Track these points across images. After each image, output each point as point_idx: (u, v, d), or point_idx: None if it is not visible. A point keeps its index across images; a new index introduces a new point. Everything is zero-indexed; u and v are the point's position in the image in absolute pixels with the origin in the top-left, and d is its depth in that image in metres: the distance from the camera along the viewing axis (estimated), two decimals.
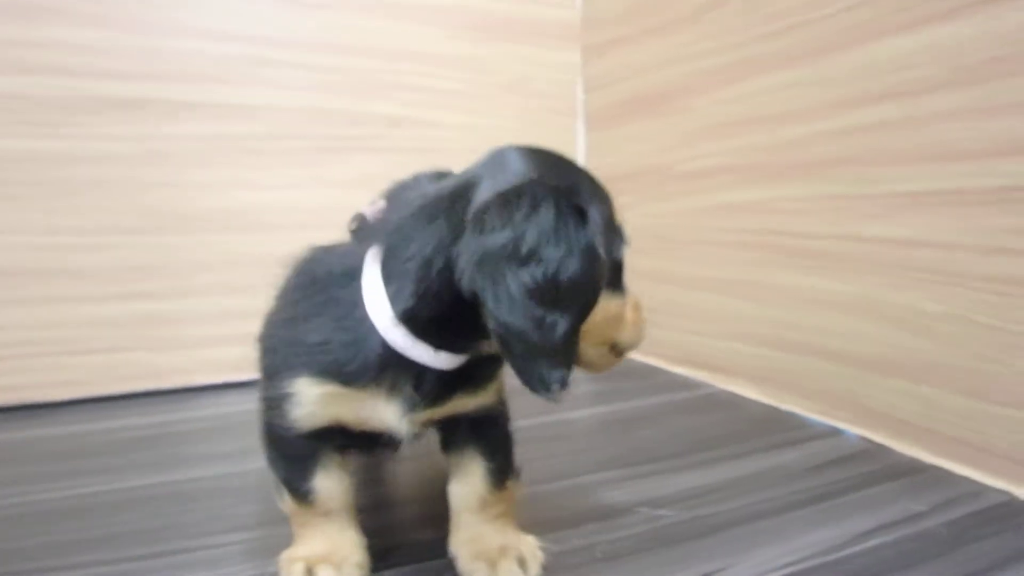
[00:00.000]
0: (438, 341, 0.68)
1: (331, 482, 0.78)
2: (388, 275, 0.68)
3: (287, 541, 0.83)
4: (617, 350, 0.74)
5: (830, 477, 1.05)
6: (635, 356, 1.83)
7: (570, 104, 2.03)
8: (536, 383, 0.61)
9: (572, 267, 0.59)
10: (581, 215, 0.62)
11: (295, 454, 0.77)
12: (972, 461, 1.05)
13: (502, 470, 0.82)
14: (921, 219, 1.09)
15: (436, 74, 1.82)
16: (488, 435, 0.82)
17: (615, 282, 0.71)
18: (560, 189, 0.63)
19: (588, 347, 0.68)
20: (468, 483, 0.81)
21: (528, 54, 1.94)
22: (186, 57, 1.57)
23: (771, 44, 1.35)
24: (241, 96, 1.63)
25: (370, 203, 0.82)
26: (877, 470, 1.07)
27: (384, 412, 0.71)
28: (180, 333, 1.62)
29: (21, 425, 1.41)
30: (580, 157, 2.03)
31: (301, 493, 0.77)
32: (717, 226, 1.53)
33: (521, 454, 0.89)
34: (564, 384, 0.61)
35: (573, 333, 0.62)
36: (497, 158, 0.69)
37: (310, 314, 0.72)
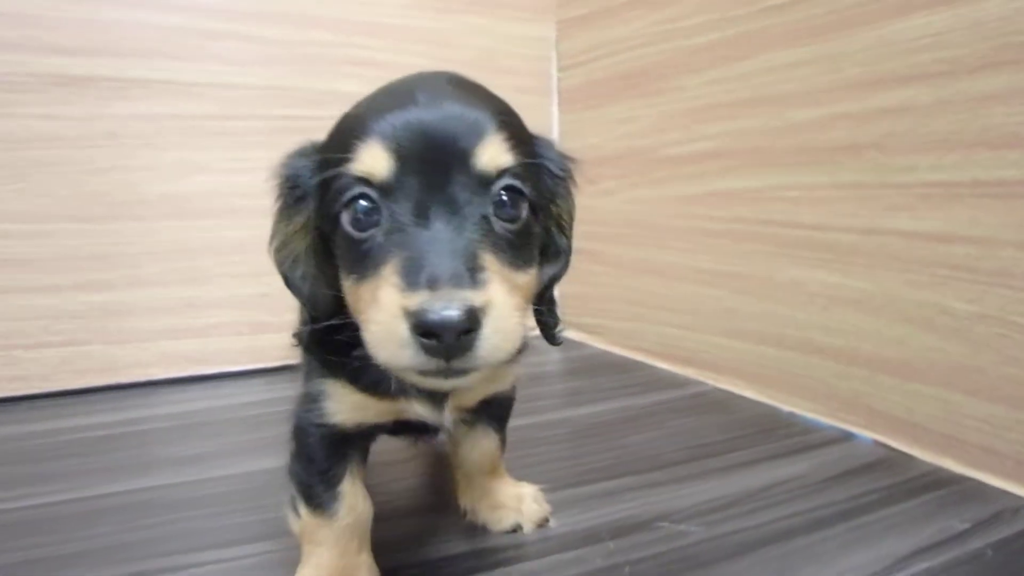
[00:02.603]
0: None
1: (356, 492, 0.75)
2: None
3: (283, 558, 0.80)
4: None
5: (855, 489, 0.98)
6: (616, 349, 1.77)
7: (543, 82, 1.95)
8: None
9: None
10: None
11: (324, 456, 0.74)
12: (1007, 473, 0.98)
13: (504, 439, 0.91)
14: (954, 212, 1.02)
15: (395, 48, 1.73)
16: (498, 413, 0.89)
17: None
18: None
19: None
20: (481, 450, 0.89)
21: (495, 27, 1.86)
22: (132, 29, 1.48)
23: (775, 19, 1.28)
24: (191, 73, 1.54)
25: None
26: (903, 481, 1.01)
27: (414, 408, 0.72)
28: (135, 325, 1.53)
29: None
30: (554, 137, 1.96)
31: (322, 503, 0.73)
32: (709, 215, 1.46)
33: (516, 459, 0.98)
34: None
35: None
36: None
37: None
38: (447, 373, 0.54)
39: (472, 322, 0.52)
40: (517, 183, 0.61)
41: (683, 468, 1.07)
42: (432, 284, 0.53)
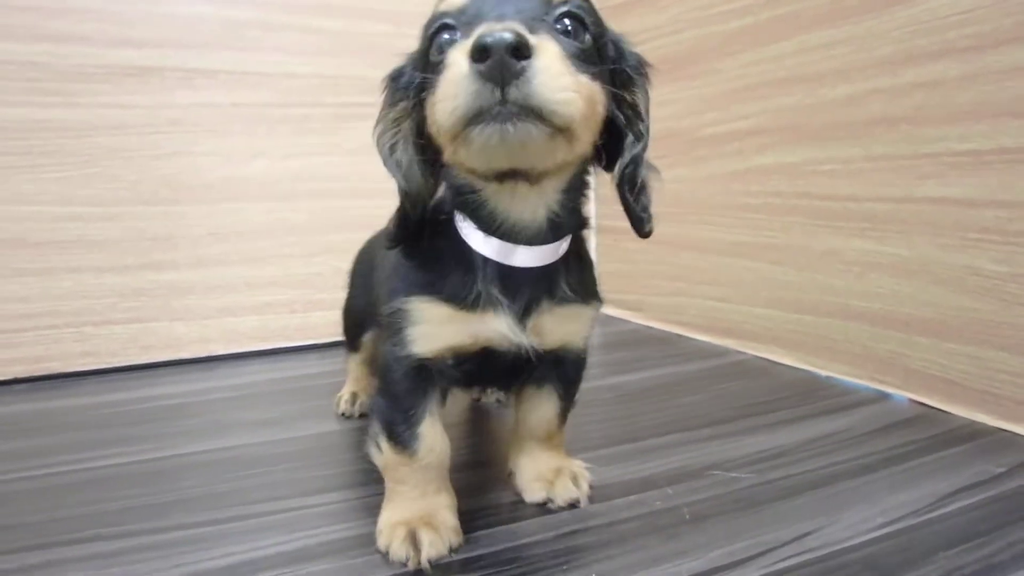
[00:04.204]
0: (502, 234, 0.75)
1: (435, 433, 0.79)
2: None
3: (365, 504, 0.85)
4: None
5: (894, 440, 1.04)
6: (657, 324, 1.82)
7: None
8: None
9: None
10: None
11: (406, 392, 0.78)
12: None
13: (568, 408, 0.92)
14: (983, 179, 1.07)
15: None
16: (567, 378, 0.89)
17: None
18: None
19: None
20: (540, 415, 0.90)
21: None
22: (197, 22, 1.55)
23: (807, 3, 1.33)
24: (253, 63, 1.61)
25: None
26: (940, 433, 1.06)
27: (495, 323, 0.75)
28: (198, 303, 1.60)
29: (51, 395, 1.40)
30: None
31: (403, 441, 0.78)
32: (748, 190, 1.51)
33: (574, 417, 0.96)
34: None
35: None
36: None
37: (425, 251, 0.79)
38: (507, 116, 0.58)
39: (521, 46, 0.55)
40: (580, 15, 0.67)
41: (730, 425, 1.12)
42: (488, 25, 0.58)
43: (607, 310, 2.01)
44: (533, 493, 0.88)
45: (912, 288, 1.19)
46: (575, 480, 0.88)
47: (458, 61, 0.58)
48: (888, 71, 1.20)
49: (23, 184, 1.44)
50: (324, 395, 1.30)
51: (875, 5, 1.21)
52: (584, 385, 1.22)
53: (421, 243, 0.78)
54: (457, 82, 0.58)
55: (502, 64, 0.55)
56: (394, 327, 0.77)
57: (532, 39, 0.57)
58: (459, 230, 0.77)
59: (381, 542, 0.76)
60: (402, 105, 0.74)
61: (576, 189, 0.78)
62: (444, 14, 0.66)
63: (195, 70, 1.54)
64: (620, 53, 0.75)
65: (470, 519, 0.83)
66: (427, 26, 0.70)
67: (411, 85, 0.73)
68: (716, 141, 1.59)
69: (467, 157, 0.65)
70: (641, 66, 0.76)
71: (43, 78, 1.43)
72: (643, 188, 0.77)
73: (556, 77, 0.58)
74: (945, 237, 1.13)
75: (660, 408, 1.21)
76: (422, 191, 0.76)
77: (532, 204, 0.74)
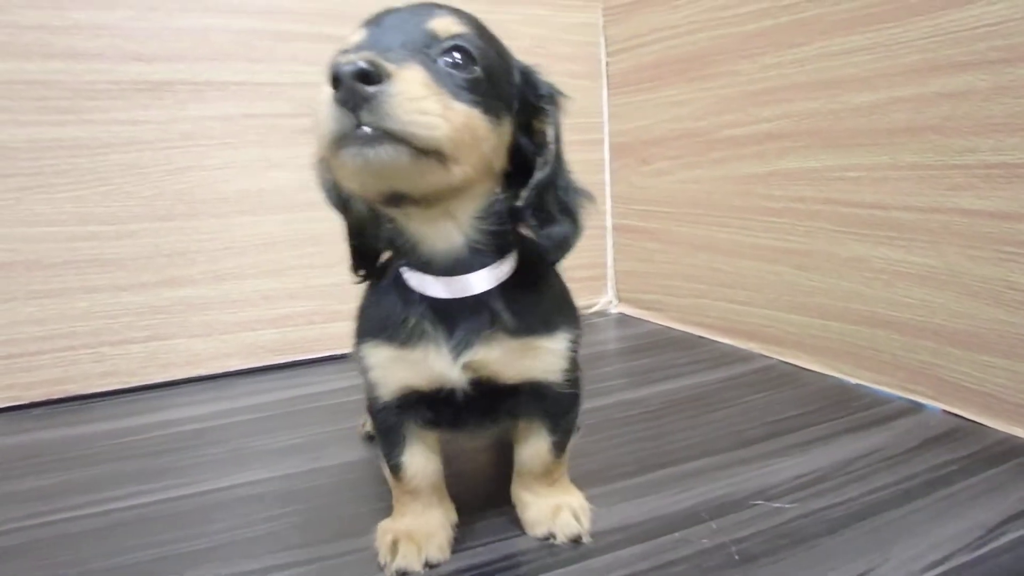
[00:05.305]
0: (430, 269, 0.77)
1: (416, 461, 0.85)
2: None
3: None
4: None
5: (934, 460, 1.02)
6: (676, 325, 1.81)
7: (593, 67, 1.99)
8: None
9: None
10: None
11: (387, 427, 0.85)
12: None
13: (564, 442, 0.90)
14: (1018, 192, 1.06)
15: None
16: (552, 412, 0.87)
17: None
18: None
19: None
20: (533, 451, 0.89)
21: (545, 16, 1.90)
22: (207, 35, 1.53)
23: (828, 7, 1.31)
24: (265, 74, 1.58)
25: None
26: (980, 450, 1.05)
27: (437, 362, 0.77)
28: (216, 318, 1.59)
29: (69, 420, 1.39)
30: (605, 120, 2.01)
31: (392, 468, 0.86)
32: (770, 194, 1.49)
33: (599, 441, 1.05)
34: None
35: None
36: None
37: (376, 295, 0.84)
38: (367, 139, 0.60)
39: (371, 73, 0.58)
40: (468, 49, 0.68)
41: (764, 445, 1.11)
42: (345, 55, 0.59)
43: (624, 309, 2.00)
44: (534, 528, 0.89)
45: (943, 299, 1.18)
46: (576, 516, 0.88)
47: (324, 89, 0.60)
48: (914, 80, 1.18)
49: (37, 205, 1.42)
50: (347, 415, 1.29)
51: (898, 14, 1.19)
52: (608, 399, 1.21)
53: (381, 280, 0.83)
54: (321, 109, 0.61)
55: (352, 90, 0.58)
56: (360, 370, 0.83)
57: (389, 66, 0.59)
58: (399, 267, 0.79)
59: (375, 544, 0.85)
60: None
61: (496, 214, 0.77)
62: (344, 51, 0.67)
63: (206, 82, 1.52)
64: (530, 83, 0.78)
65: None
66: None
67: None
68: (735, 143, 1.57)
69: (346, 179, 0.68)
70: (552, 96, 0.78)
71: (54, 96, 1.41)
72: (556, 217, 0.78)
73: (412, 100, 0.60)
74: (978, 249, 1.12)
75: (690, 426, 1.20)
76: (362, 222, 0.81)
77: (445, 231, 0.75)
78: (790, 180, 1.44)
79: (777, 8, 1.42)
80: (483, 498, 0.96)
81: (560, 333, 0.83)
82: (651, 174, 1.83)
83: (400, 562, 0.81)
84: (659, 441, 1.15)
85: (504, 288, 0.78)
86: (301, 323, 1.66)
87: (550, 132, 0.77)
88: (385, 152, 0.61)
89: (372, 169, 0.63)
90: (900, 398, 1.25)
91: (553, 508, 0.88)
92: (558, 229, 0.78)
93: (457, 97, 0.65)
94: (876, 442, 1.09)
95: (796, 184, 1.43)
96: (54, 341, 1.46)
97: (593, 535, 0.87)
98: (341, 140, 0.61)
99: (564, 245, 0.79)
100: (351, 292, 0.87)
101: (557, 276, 0.88)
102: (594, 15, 1.97)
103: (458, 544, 0.87)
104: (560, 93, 0.79)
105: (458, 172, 0.67)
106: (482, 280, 0.77)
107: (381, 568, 0.82)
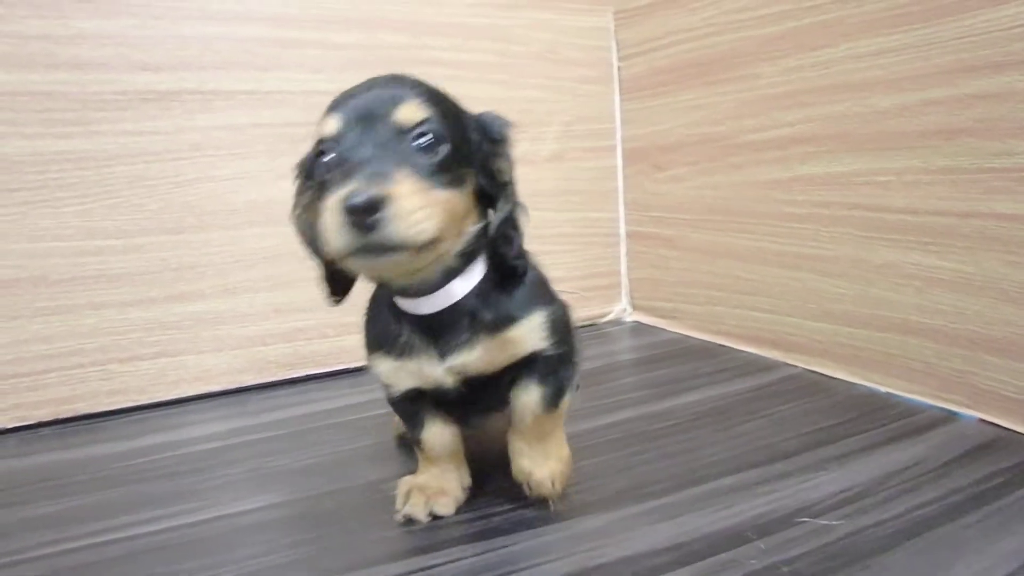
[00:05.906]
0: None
1: (434, 434, 0.98)
2: None
3: (456, 570, 0.83)
4: None
5: (978, 472, 0.99)
6: (694, 333, 1.78)
7: (604, 72, 1.96)
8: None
9: None
10: None
11: (406, 412, 1.00)
12: None
13: (555, 397, 0.94)
14: None
15: (464, 47, 1.75)
16: (542, 370, 0.94)
17: None
18: None
19: None
20: (523, 402, 0.94)
21: (555, 21, 1.87)
22: (212, 43, 1.50)
23: (853, 9, 1.29)
24: (271, 81, 1.56)
25: None
26: (1022, 462, 1.02)
27: (429, 370, 0.90)
28: (227, 333, 1.56)
29: (79, 441, 1.36)
30: (618, 126, 1.98)
31: (414, 439, 1.00)
32: (792, 199, 1.46)
33: (629, 456, 1.09)
34: None
35: None
36: None
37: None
38: (374, 249, 0.71)
39: (375, 205, 0.68)
40: (432, 130, 0.78)
41: (800, 458, 1.07)
42: (354, 184, 0.70)
43: (639, 317, 1.97)
44: (516, 476, 0.97)
45: (979, 305, 1.15)
46: (552, 479, 0.95)
47: (333, 207, 0.71)
48: (946, 81, 1.15)
49: (42, 219, 1.39)
50: (366, 432, 1.27)
51: (927, 15, 1.16)
52: (632, 412, 1.19)
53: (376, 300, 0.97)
54: (333, 224, 0.71)
55: (362, 220, 0.69)
56: (374, 375, 0.97)
57: (386, 188, 0.70)
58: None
59: (396, 491, 0.99)
60: (308, 194, 0.88)
61: (472, 241, 0.87)
62: (323, 139, 0.80)
63: (213, 92, 1.49)
64: (484, 132, 0.87)
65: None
66: (315, 140, 0.83)
67: (313, 182, 0.86)
68: (755, 148, 1.54)
69: (355, 270, 0.85)
70: (502, 135, 0.88)
71: (59, 107, 1.38)
72: (509, 237, 0.88)
73: (409, 215, 0.71)
74: (1015, 254, 1.09)
75: (721, 439, 1.17)
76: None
77: (422, 274, 0.85)
78: (814, 185, 1.41)
79: (799, 10, 1.39)
80: (503, 469, 1.00)
81: (535, 314, 0.92)
82: (666, 180, 1.80)
83: (408, 509, 0.94)
84: (691, 456, 1.11)
85: (480, 289, 0.88)
86: (313, 336, 1.63)
87: (506, 170, 0.87)
88: (389, 259, 0.73)
89: (380, 269, 0.83)
90: (933, 407, 1.23)
91: (536, 464, 0.95)
92: (514, 248, 0.89)
93: (435, 184, 0.76)
94: (915, 454, 1.07)
95: (820, 189, 1.40)
96: (61, 359, 1.43)
97: (637, 557, 0.84)
98: (352, 251, 0.71)
99: (524, 262, 0.91)
100: (361, 304, 0.96)
101: (533, 267, 0.96)
102: (605, 19, 1.94)
103: (468, 506, 0.98)
104: (510, 125, 0.88)
105: (444, 245, 0.80)
106: (457, 289, 0.87)
107: (396, 511, 0.95)
